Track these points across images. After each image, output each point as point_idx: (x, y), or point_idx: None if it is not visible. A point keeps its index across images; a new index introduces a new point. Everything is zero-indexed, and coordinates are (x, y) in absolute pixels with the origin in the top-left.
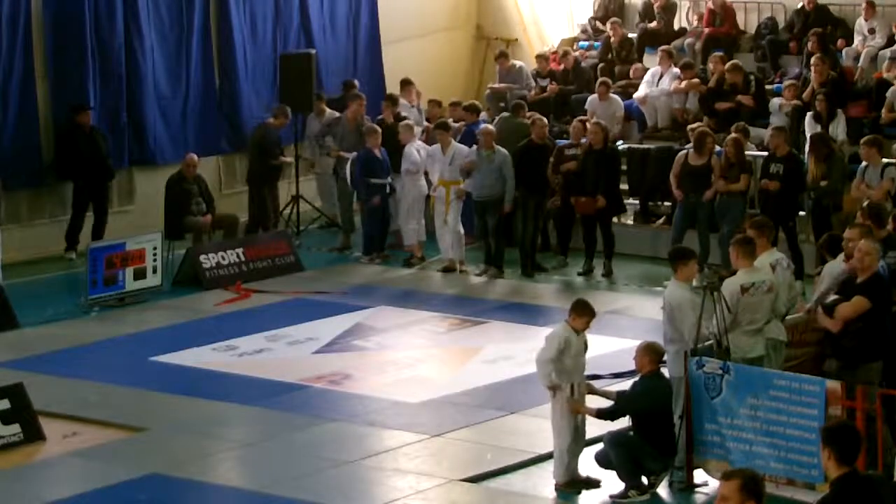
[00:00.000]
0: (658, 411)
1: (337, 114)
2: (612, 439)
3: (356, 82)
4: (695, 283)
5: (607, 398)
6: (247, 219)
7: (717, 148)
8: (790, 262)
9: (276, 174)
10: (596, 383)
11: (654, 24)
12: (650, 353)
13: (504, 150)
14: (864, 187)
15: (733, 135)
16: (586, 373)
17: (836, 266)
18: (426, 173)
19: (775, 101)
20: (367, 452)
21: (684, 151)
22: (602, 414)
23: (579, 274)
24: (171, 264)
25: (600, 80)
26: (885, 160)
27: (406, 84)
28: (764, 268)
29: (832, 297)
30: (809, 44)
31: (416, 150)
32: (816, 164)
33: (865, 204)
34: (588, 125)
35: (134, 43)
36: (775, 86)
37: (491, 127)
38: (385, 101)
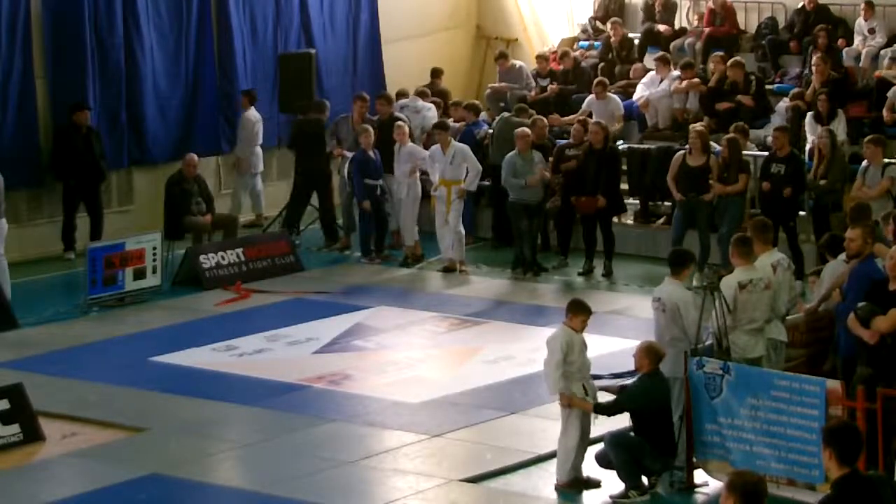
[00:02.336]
0: (657, 410)
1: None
2: (613, 439)
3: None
4: (695, 282)
5: (610, 392)
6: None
7: (718, 147)
8: (790, 262)
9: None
10: (596, 384)
11: (662, 27)
12: (650, 354)
13: (538, 152)
14: (865, 189)
15: (730, 135)
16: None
17: (836, 266)
18: (424, 172)
19: (782, 105)
20: (367, 452)
21: (682, 152)
22: (599, 408)
23: (579, 274)
24: (170, 264)
25: (597, 79)
26: (886, 160)
27: (437, 74)
28: (763, 267)
29: (862, 304)
30: (819, 40)
31: (416, 150)
32: (824, 160)
33: (852, 204)
34: (589, 125)
35: (134, 43)
36: (776, 86)
37: (527, 130)
38: (379, 100)
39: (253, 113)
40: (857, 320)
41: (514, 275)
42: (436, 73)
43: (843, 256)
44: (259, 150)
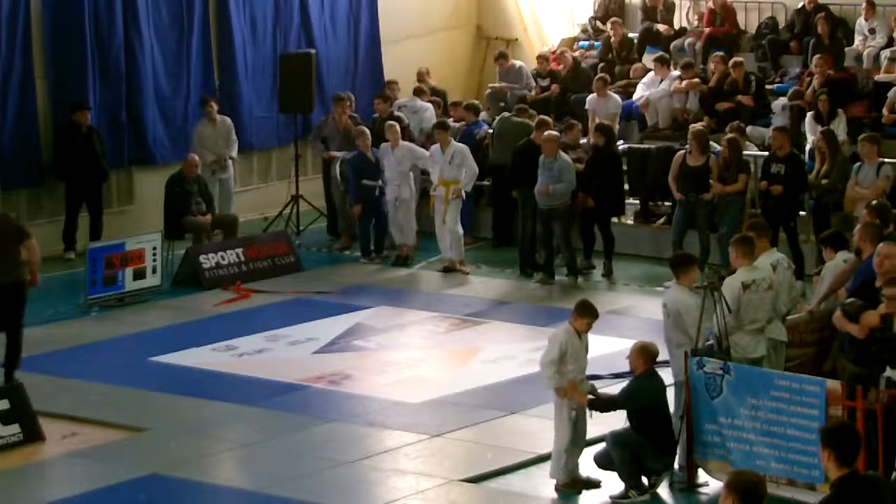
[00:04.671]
0: (655, 409)
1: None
2: (614, 439)
3: None
4: (695, 283)
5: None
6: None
7: (718, 147)
8: (790, 262)
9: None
10: (596, 383)
11: (661, 27)
12: (644, 355)
13: (565, 157)
14: (857, 188)
15: (729, 135)
16: (587, 373)
17: (837, 265)
18: (423, 172)
19: (779, 102)
20: (367, 452)
21: (682, 152)
22: (594, 404)
23: (576, 272)
24: (170, 264)
25: (598, 76)
26: (880, 159)
27: (421, 78)
28: (764, 267)
29: (850, 300)
30: (819, 28)
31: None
32: (826, 159)
33: (874, 202)
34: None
35: (134, 43)
36: (776, 86)
37: (555, 133)
38: (378, 98)
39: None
40: (844, 317)
41: (542, 279)
42: (420, 77)
43: (842, 255)
44: None
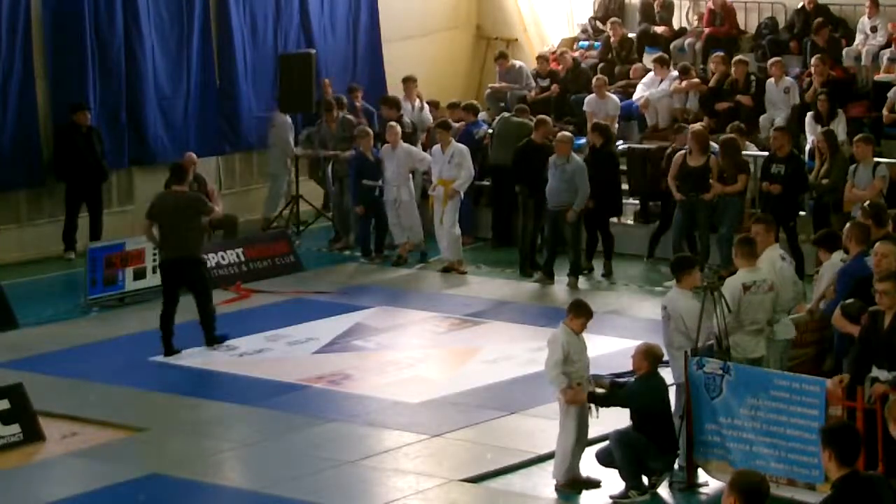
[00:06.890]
0: (657, 410)
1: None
2: (619, 438)
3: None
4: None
5: (601, 386)
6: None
7: (717, 147)
8: (791, 258)
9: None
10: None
11: (660, 29)
12: (649, 357)
13: (578, 159)
14: (855, 190)
15: (726, 136)
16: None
17: (834, 264)
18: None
19: (769, 84)
20: (367, 452)
21: (682, 152)
22: (593, 398)
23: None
24: None
25: (597, 77)
26: (876, 159)
27: (408, 81)
28: (768, 263)
29: (850, 301)
30: (816, 35)
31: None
32: (826, 160)
33: (866, 203)
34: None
35: (134, 43)
36: None
37: (568, 134)
38: (383, 105)
39: None
40: (844, 317)
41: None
42: (406, 81)
43: (838, 255)
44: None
